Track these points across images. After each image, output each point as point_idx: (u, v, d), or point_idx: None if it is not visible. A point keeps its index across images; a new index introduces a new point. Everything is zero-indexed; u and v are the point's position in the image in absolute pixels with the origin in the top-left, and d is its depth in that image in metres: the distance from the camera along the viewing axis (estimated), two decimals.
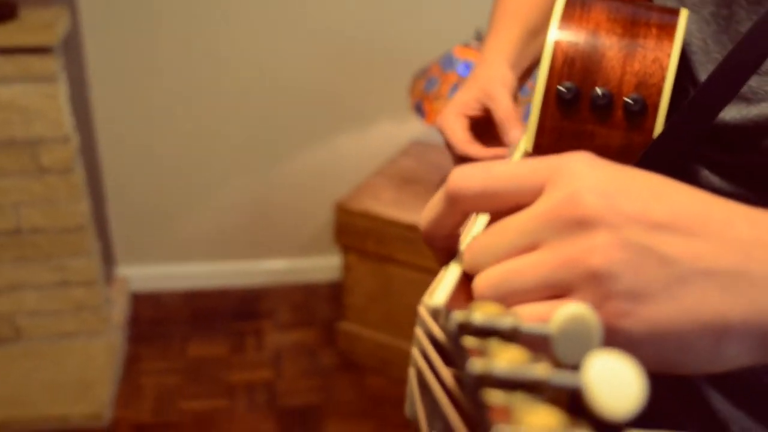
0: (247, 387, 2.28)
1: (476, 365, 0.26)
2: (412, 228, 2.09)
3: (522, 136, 0.81)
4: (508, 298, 0.37)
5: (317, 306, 2.65)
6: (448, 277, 0.42)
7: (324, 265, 2.73)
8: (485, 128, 0.86)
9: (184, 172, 2.53)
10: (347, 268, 2.26)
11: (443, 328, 0.32)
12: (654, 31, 0.65)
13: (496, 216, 0.40)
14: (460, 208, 0.40)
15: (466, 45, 2.00)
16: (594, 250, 0.34)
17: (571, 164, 0.37)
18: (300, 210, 2.65)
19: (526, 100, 1.69)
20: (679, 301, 0.34)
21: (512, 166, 0.38)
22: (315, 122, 2.52)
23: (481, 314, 0.31)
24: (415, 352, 0.38)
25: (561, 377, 0.26)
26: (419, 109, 2.00)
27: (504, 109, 0.82)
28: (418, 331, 0.38)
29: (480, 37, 2.00)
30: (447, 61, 1.99)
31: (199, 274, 2.69)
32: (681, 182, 0.38)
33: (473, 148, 0.83)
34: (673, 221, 0.35)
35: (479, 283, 0.38)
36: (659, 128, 0.63)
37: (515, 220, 0.37)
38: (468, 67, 1.95)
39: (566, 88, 0.64)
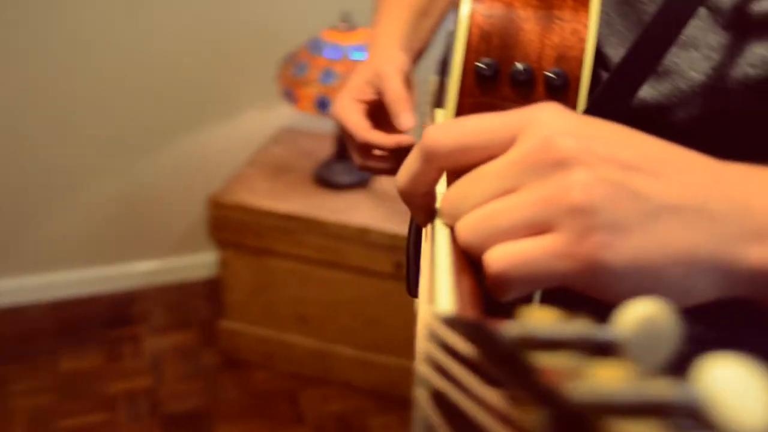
0: (128, 397, 2.17)
1: (585, 391, 0.22)
2: (289, 218, 2.03)
3: (413, 121, 0.79)
4: (491, 239, 0.38)
5: (194, 306, 2.55)
6: (441, 267, 0.38)
7: (199, 263, 2.64)
8: (382, 112, 0.83)
9: (42, 172, 2.36)
10: (224, 264, 2.18)
11: (478, 342, 0.27)
12: (569, 1, 0.63)
13: (467, 171, 0.41)
14: (436, 165, 0.41)
15: (334, 28, 1.96)
16: (574, 186, 0.36)
17: (540, 114, 0.39)
18: (170, 206, 2.54)
19: None
20: (652, 235, 0.36)
21: (483, 119, 0.40)
22: (180, 113, 2.42)
23: (542, 324, 0.27)
24: (426, 371, 0.33)
25: (685, 394, 0.22)
26: (289, 96, 1.95)
27: (393, 91, 0.79)
28: (429, 346, 0.33)
29: (347, 19, 1.97)
30: (315, 45, 1.94)
31: (65, 283, 2.53)
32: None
33: (374, 135, 0.80)
34: (640, 163, 0.37)
35: (460, 230, 0.40)
36: (582, 102, 0.61)
37: (491, 167, 0.39)
38: (336, 50, 1.91)
39: (485, 65, 0.61)
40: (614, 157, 0.37)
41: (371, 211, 2.05)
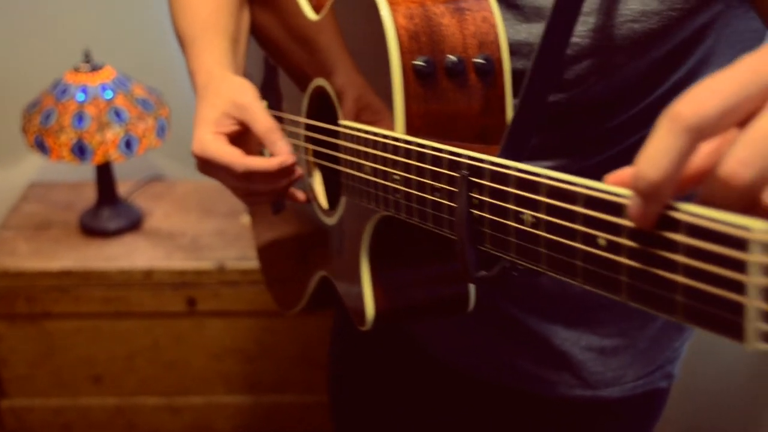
0: None
1: None
2: (63, 275, 1.91)
3: (290, 147, 0.80)
4: None
5: None
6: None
7: None
8: (239, 143, 0.83)
9: None
10: None
11: None
12: None
13: None
14: (701, 137, 0.37)
15: (76, 69, 1.86)
16: None
17: None
18: None
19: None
20: None
21: (730, 74, 0.37)
22: None
23: None
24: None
25: None
26: (42, 146, 1.82)
27: (263, 122, 0.80)
28: None
29: (90, 59, 1.87)
30: (60, 90, 1.83)
31: None
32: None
33: (256, 160, 0.80)
34: None
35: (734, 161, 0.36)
36: (508, 82, 0.68)
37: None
38: (85, 91, 1.82)
39: (423, 62, 0.66)
40: None
41: (150, 252, 1.97)
